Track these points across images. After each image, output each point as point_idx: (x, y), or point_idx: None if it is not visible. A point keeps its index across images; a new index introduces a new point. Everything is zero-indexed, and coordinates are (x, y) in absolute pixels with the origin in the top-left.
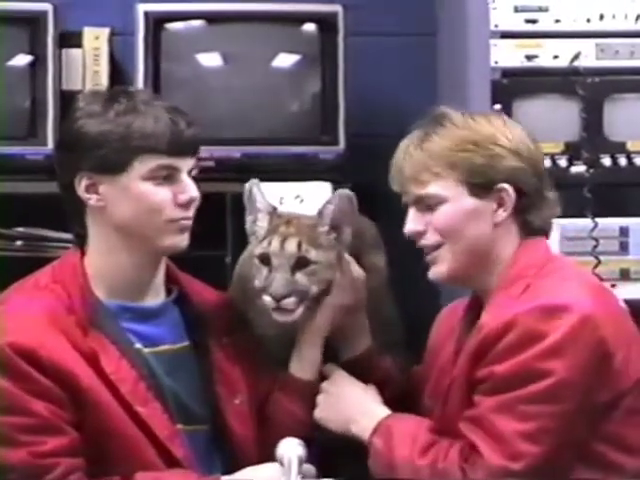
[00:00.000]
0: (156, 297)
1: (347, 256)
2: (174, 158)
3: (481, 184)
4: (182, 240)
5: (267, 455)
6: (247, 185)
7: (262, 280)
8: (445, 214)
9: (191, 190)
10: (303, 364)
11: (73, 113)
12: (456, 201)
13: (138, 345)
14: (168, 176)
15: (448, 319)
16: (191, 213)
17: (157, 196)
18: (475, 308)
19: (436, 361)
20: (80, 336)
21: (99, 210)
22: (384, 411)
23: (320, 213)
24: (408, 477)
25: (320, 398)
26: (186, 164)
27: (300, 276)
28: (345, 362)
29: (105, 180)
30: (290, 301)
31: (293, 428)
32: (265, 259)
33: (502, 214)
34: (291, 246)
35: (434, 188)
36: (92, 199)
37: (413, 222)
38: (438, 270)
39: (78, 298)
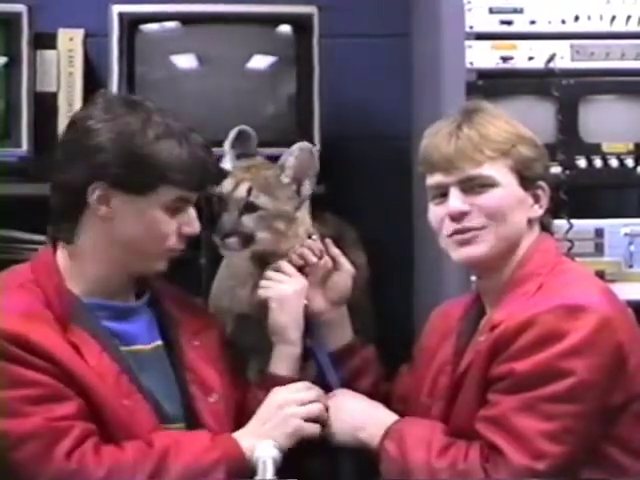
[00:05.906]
0: (126, 298)
1: (337, 251)
2: (193, 192)
3: (527, 177)
4: (165, 265)
5: None
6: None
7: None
8: (497, 197)
9: (197, 225)
10: (283, 362)
11: (98, 118)
12: (507, 187)
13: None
14: (180, 207)
15: (443, 320)
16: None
17: (168, 226)
18: (477, 307)
19: (432, 361)
20: (60, 331)
21: (103, 220)
22: (392, 416)
23: (282, 165)
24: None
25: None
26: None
27: (246, 219)
28: (329, 354)
29: (120, 196)
30: (232, 240)
31: None
32: (219, 199)
33: (538, 211)
34: (241, 190)
35: (489, 170)
36: (101, 210)
37: (459, 201)
38: (476, 250)
39: (54, 296)
